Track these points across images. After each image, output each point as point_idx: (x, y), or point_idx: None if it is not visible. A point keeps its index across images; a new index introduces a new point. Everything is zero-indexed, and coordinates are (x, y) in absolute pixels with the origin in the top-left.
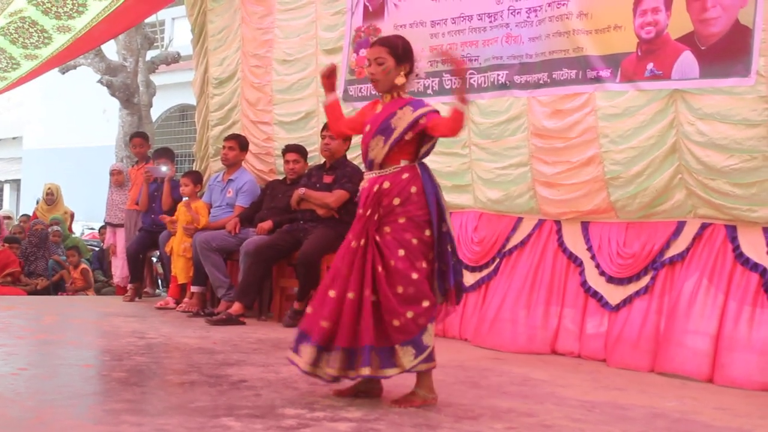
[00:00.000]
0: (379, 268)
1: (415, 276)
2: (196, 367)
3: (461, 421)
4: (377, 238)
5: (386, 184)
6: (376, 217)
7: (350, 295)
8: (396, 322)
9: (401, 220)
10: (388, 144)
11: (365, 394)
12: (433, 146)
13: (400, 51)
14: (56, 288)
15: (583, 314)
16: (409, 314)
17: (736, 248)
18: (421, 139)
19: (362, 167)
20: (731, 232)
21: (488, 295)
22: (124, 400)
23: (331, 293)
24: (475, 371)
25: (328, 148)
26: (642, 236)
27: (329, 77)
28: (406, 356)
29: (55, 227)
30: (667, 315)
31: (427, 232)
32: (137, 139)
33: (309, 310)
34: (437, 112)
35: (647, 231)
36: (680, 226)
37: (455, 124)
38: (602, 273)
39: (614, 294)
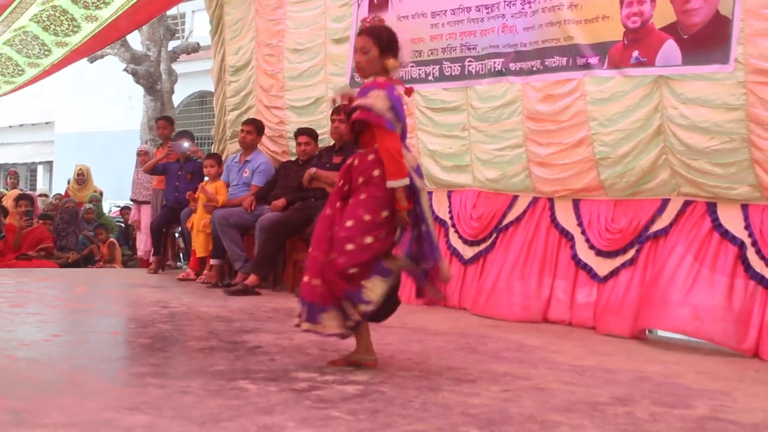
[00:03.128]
0: (328, 234)
1: (350, 247)
2: (215, 334)
3: (460, 384)
4: (338, 204)
5: (356, 162)
6: (345, 188)
7: (315, 253)
8: (329, 283)
9: (362, 196)
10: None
11: (358, 364)
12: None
13: (384, 41)
14: (86, 261)
15: (574, 285)
16: (341, 282)
17: (716, 223)
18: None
19: None
20: (712, 208)
21: (486, 267)
22: (148, 364)
23: (313, 253)
24: (474, 338)
25: (337, 130)
26: (629, 213)
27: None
28: (350, 308)
29: (89, 205)
30: (649, 284)
31: (385, 213)
32: (162, 121)
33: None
34: (375, 118)
35: (634, 208)
36: (664, 204)
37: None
38: (591, 247)
39: (602, 266)
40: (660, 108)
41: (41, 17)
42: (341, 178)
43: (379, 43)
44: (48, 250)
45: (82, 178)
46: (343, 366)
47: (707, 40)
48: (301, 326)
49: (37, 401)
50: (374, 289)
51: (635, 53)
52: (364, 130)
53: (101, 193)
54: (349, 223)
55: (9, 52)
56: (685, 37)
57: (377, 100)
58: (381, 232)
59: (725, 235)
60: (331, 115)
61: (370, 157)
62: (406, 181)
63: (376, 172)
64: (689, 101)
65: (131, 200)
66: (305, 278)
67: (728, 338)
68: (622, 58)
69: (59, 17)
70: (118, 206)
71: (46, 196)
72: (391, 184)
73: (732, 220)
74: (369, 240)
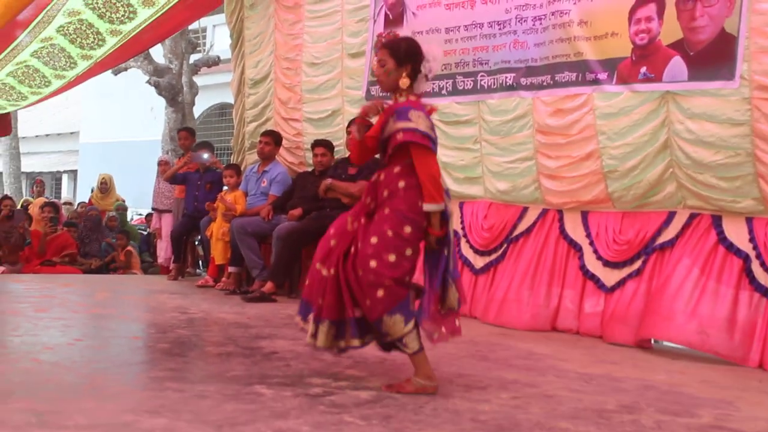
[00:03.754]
0: (352, 249)
1: (373, 264)
2: (233, 339)
3: (471, 390)
4: (362, 221)
5: (382, 177)
6: (372, 206)
7: (332, 271)
8: (368, 302)
9: (386, 211)
10: (382, 146)
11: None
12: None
13: (402, 53)
14: (108, 267)
15: (582, 295)
16: (368, 301)
17: (721, 236)
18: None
19: None
20: (717, 221)
21: (496, 277)
22: (167, 369)
23: (324, 272)
24: (484, 346)
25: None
26: (636, 224)
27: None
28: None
29: (113, 213)
30: (655, 295)
31: (408, 229)
32: (183, 132)
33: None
34: (420, 139)
35: (641, 220)
36: (671, 216)
37: (428, 193)
38: (599, 257)
39: (610, 276)
40: (667, 123)
41: (68, 30)
42: (367, 195)
43: (395, 54)
44: (72, 256)
45: (105, 186)
46: (402, 392)
47: (713, 57)
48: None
49: (60, 403)
50: (394, 326)
51: (643, 69)
52: (397, 152)
53: (124, 202)
54: (373, 240)
55: (36, 64)
56: (692, 53)
57: (419, 120)
58: (404, 248)
59: (730, 248)
60: (347, 127)
61: (396, 169)
62: (442, 206)
63: (401, 184)
64: (695, 116)
65: (152, 209)
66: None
67: (733, 351)
68: (630, 73)
69: (85, 30)
70: (140, 214)
71: (70, 204)
72: (428, 207)
73: (737, 233)
74: (392, 258)
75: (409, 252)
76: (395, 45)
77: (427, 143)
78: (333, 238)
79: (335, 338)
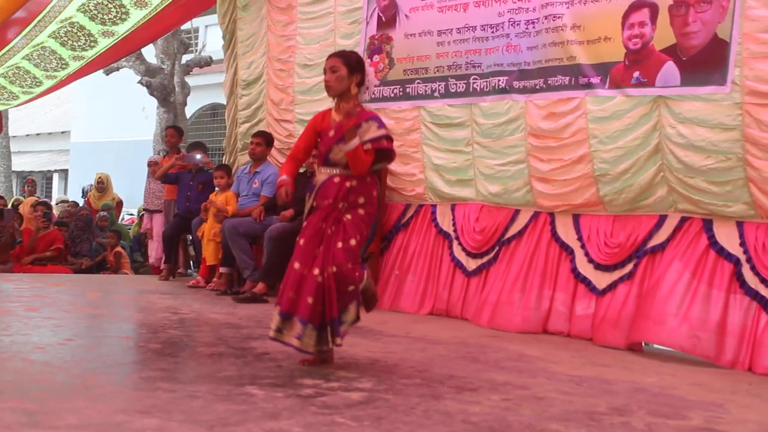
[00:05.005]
0: (339, 245)
1: (350, 266)
2: (224, 340)
3: (462, 392)
4: (343, 219)
5: (354, 183)
6: (341, 206)
7: (315, 271)
8: (351, 288)
9: (360, 211)
10: (340, 151)
11: (323, 361)
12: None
13: (353, 62)
14: (99, 267)
15: (573, 298)
16: (351, 287)
17: (712, 240)
18: (378, 152)
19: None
20: (708, 225)
21: (488, 279)
22: (159, 369)
23: (296, 265)
24: (475, 348)
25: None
26: (627, 228)
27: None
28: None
29: (103, 213)
30: (645, 298)
31: (365, 231)
32: (170, 130)
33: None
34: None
35: (632, 223)
36: (662, 220)
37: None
38: (590, 260)
39: (601, 279)
40: (658, 127)
41: (59, 33)
42: (338, 199)
43: (347, 63)
44: (59, 251)
45: (102, 185)
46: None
47: (705, 62)
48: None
49: (51, 403)
50: (349, 314)
51: (636, 74)
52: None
53: (121, 201)
54: (353, 242)
55: (27, 66)
56: (684, 59)
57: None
58: (363, 242)
59: (721, 252)
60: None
61: (369, 179)
62: (354, 144)
63: (374, 193)
64: (687, 121)
65: (144, 209)
66: (289, 293)
67: (723, 354)
68: (623, 78)
69: (77, 33)
70: (131, 214)
71: (66, 201)
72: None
73: (727, 237)
74: (359, 251)
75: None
76: (347, 55)
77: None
78: (308, 239)
79: (320, 343)
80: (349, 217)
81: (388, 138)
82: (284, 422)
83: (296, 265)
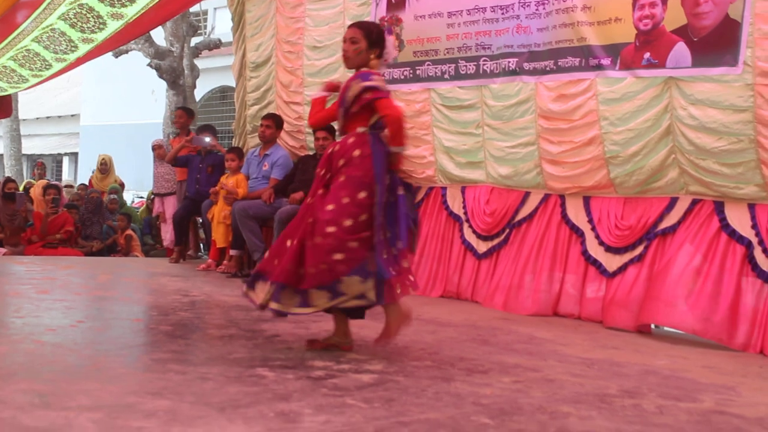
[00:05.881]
0: (310, 220)
1: (331, 230)
2: (234, 322)
3: (472, 374)
4: (320, 191)
5: (337, 147)
6: (327, 176)
7: (294, 242)
8: (312, 269)
9: (341, 179)
10: (341, 114)
11: (335, 347)
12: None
13: (374, 36)
14: (109, 250)
15: (584, 280)
16: (322, 265)
17: (723, 222)
18: (371, 110)
19: None
20: (719, 207)
21: (498, 262)
22: (170, 351)
23: (288, 242)
24: (486, 330)
25: None
26: (638, 210)
27: (329, 90)
28: (321, 299)
29: (113, 196)
30: (656, 280)
31: (362, 194)
32: (179, 111)
33: (267, 254)
34: (385, 94)
35: (643, 205)
36: (673, 202)
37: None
38: (601, 243)
39: (611, 262)
40: (669, 108)
41: (68, 15)
42: (322, 167)
43: (368, 36)
44: (69, 233)
45: (104, 167)
46: (320, 349)
47: (717, 43)
48: (269, 306)
49: (63, 385)
50: (352, 286)
51: (647, 55)
52: (354, 120)
53: (122, 184)
54: (329, 207)
55: (36, 48)
56: (695, 39)
57: (380, 82)
58: (359, 213)
59: (732, 234)
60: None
61: (351, 140)
62: (405, 148)
63: (356, 153)
64: (698, 102)
65: (154, 194)
66: (275, 261)
67: (735, 338)
68: (634, 59)
69: (86, 14)
70: (141, 197)
71: (71, 186)
72: (395, 149)
73: (739, 219)
74: (349, 222)
75: (363, 217)
76: (368, 27)
77: (389, 96)
78: (298, 214)
79: (274, 299)
80: (329, 187)
81: (373, 89)
82: (295, 404)
83: (287, 242)
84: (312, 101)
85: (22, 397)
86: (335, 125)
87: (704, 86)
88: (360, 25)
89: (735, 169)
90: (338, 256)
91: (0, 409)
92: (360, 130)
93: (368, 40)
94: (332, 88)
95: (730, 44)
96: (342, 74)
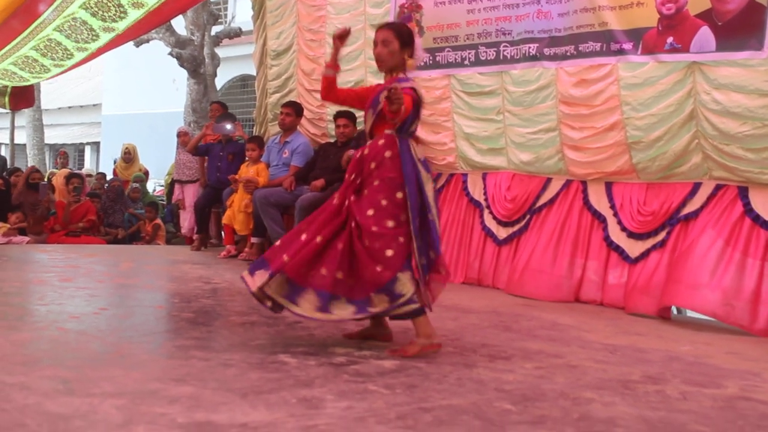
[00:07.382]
0: (353, 224)
1: (376, 229)
2: (256, 309)
3: (495, 360)
4: (352, 198)
5: (367, 151)
6: (358, 181)
7: (318, 239)
8: (368, 274)
9: (376, 183)
10: (371, 116)
11: (373, 338)
12: (413, 122)
13: (405, 35)
14: (132, 238)
15: (606, 266)
16: (378, 267)
17: (747, 207)
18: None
19: None
20: (743, 192)
21: (519, 248)
22: (192, 338)
23: (303, 237)
24: (508, 316)
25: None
26: (661, 196)
27: (341, 39)
28: (381, 303)
29: (136, 185)
30: (678, 263)
31: (399, 194)
32: (215, 104)
33: (277, 243)
34: (411, 93)
35: (665, 191)
36: (696, 187)
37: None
38: (623, 229)
39: (634, 248)
40: (693, 93)
41: (89, 4)
42: (352, 171)
43: (400, 36)
44: (91, 222)
45: (128, 156)
46: (412, 355)
47: (741, 27)
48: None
49: (87, 371)
50: (407, 284)
51: (669, 39)
52: (382, 122)
53: (147, 173)
54: (370, 212)
55: (58, 37)
56: (720, 23)
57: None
58: (399, 214)
59: (756, 219)
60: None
61: (381, 141)
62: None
63: (387, 153)
64: (722, 87)
65: (174, 180)
66: (284, 257)
67: (757, 323)
68: (656, 44)
69: (107, 3)
70: (162, 185)
71: (90, 176)
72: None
73: (763, 204)
74: (391, 224)
75: (403, 217)
76: (398, 27)
77: (417, 99)
78: (318, 211)
79: (286, 296)
80: (365, 192)
81: (407, 89)
82: (317, 390)
83: (302, 237)
84: (322, 77)
85: (47, 384)
86: (356, 113)
87: (728, 70)
88: (389, 26)
89: (760, 154)
90: (389, 253)
91: (25, 396)
92: (388, 131)
93: (400, 40)
94: (343, 34)
95: (755, 28)
96: (362, 61)
